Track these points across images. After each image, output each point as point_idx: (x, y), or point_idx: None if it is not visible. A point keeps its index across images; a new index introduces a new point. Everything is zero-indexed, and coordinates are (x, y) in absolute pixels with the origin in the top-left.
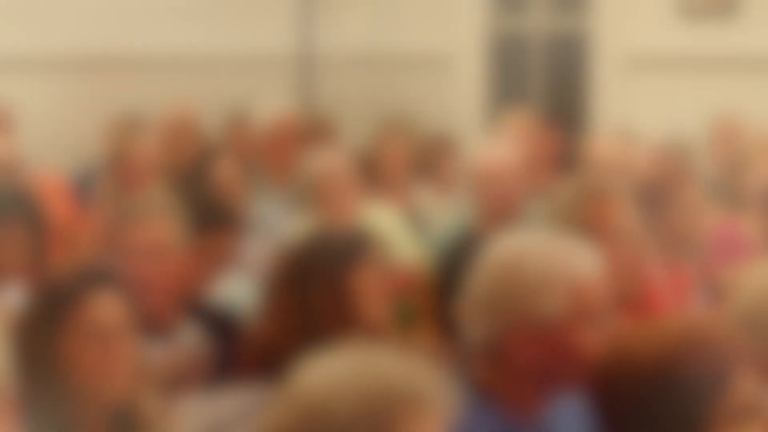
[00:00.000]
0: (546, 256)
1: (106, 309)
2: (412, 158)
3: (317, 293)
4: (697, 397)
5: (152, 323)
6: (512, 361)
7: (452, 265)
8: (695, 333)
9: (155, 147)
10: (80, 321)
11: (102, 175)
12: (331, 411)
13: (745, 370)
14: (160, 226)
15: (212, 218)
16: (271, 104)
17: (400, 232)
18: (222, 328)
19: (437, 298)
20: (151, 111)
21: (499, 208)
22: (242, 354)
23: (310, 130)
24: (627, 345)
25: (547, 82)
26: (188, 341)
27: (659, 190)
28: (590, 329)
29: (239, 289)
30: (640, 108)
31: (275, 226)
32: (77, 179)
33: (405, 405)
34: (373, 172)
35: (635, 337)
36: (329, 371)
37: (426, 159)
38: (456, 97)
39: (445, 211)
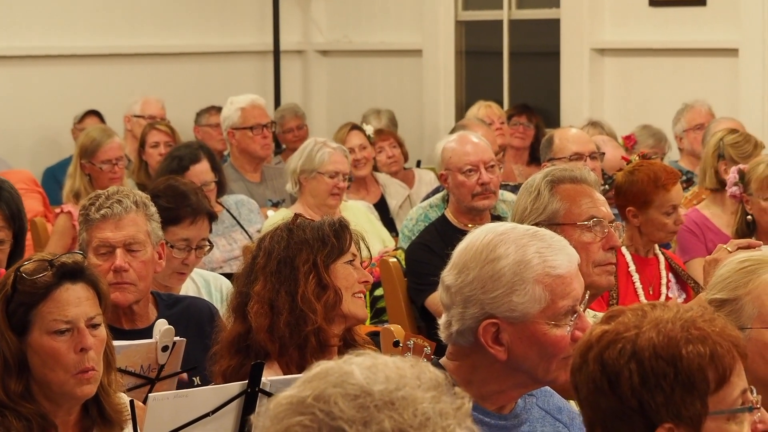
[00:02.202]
0: (521, 248)
1: (77, 302)
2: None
3: (297, 283)
4: (691, 389)
5: (125, 316)
6: (487, 354)
7: (427, 257)
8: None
9: (126, 142)
10: (50, 315)
11: (72, 170)
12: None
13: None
14: (131, 219)
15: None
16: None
17: (374, 224)
18: (196, 320)
19: (412, 290)
20: (121, 106)
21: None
22: (218, 345)
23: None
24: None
25: (515, 72)
26: (162, 334)
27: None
28: (566, 324)
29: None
30: (608, 97)
31: (249, 217)
32: (48, 175)
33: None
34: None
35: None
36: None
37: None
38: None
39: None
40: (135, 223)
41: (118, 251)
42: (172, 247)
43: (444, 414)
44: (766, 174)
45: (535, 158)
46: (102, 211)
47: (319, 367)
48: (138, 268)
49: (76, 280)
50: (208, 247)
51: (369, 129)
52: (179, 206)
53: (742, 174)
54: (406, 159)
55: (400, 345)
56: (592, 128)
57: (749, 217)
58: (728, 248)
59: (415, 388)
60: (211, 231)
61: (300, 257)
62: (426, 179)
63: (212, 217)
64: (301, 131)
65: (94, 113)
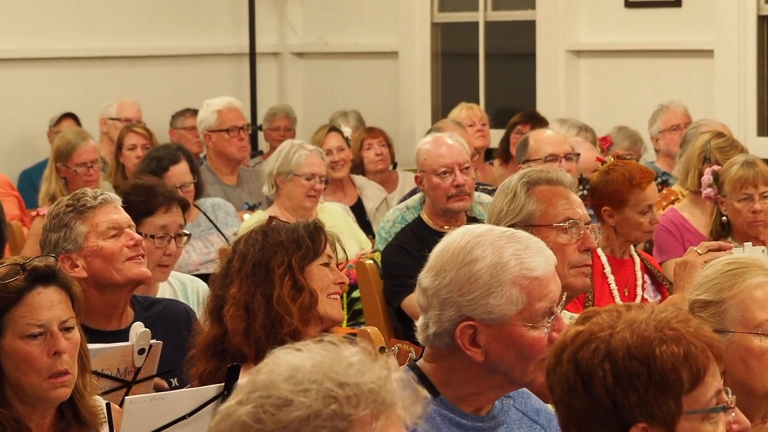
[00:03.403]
0: (498, 251)
1: (49, 306)
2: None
3: (272, 286)
4: (665, 389)
5: (106, 314)
6: (465, 356)
7: (403, 259)
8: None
9: (102, 145)
10: (23, 319)
11: (48, 174)
12: (294, 405)
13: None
14: (120, 209)
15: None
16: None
17: (351, 226)
18: (173, 322)
19: (388, 292)
20: (97, 109)
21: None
22: (195, 347)
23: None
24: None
25: (491, 73)
26: (138, 336)
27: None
28: (543, 326)
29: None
30: (584, 99)
31: (225, 220)
32: (24, 178)
33: (370, 405)
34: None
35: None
36: (295, 364)
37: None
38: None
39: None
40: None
41: (128, 230)
42: (152, 237)
43: (378, 366)
44: (740, 175)
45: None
46: (100, 198)
47: (248, 377)
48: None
49: (48, 283)
50: (186, 238)
51: (347, 131)
52: (151, 197)
53: (716, 175)
54: (392, 159)
55: (386, 351)
56: (563, 125)
57: (724, 218)
58: (698, 250)
59: (342, 352)
60: (185, 222)
61: (275, 260)
62: (410, 181)
63: (184, 206)
64: (288, 133)
65: (70, 116)
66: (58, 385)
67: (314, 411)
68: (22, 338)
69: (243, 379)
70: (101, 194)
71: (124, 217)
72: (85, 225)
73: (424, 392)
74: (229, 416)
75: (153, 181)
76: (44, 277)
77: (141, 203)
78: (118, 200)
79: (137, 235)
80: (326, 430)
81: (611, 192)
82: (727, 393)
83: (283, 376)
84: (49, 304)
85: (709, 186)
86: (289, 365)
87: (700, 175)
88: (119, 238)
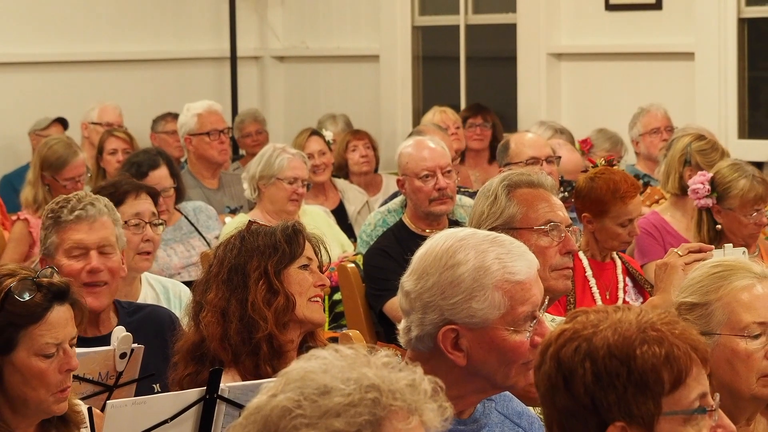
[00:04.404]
0: (481, 254)
1: (64, 324)
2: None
3: (248, 291)
4: (644, 389)
5: (89, 324)
6: (447, 360)
7: (385, 262)
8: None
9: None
10: (42, 338)
11: (33, 179)
12: (335, 391)
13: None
14: (103, 222)
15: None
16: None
17: (333, 228)
18: (157, 328)
19: (370, 295)
20: (78, 113)
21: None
22: (176, 350)
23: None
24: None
25: (472, 77)
26: (119, 341)
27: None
28: (525, 330)
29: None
30: (565, 102)
31: (207, 224)
32: (5, 182)
33: (407, 400)
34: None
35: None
36: (329, 361)
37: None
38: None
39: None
40: (106, 226)
41: (93, 252)
42: (126, 223)
43: (413, 373)
44: (755, 193)
45: (495, 158)
46: (76, 213)
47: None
48: (111, 268)
49: (64, 301)
50: (162, 225)
51: (328, 135)
52: (118, 188)
53: (713, 184)
54: (377, 163)
55: None
56: (545, 129)
57: (719, 226)
58: (679, 252)
59: (382, 358)
60: (160, 220)
61: (251, 264)
62: (394, 184)
63: (153, 195)
64: (261, 136)
65: (59, 121)
66: (61, 399)
67: (355, 398)
68: (38, 355)
69: (224, 384)
70: (80, 208)
71: (94, 237)
72: (57, 236)
73: (450, 408)
74: (261, 408)
75: (119, 177)
76: (61, 294)
77: (111, 195)
78: (98, 215)
79: (98, 264)
80: (366, 417)
81: (594, 200)
82: (713, 397)
83: (321, 370)
84: (64, 322)
85: (707, 196)
86: (322, 362)
87: (681, 177)
88: (80, 260)
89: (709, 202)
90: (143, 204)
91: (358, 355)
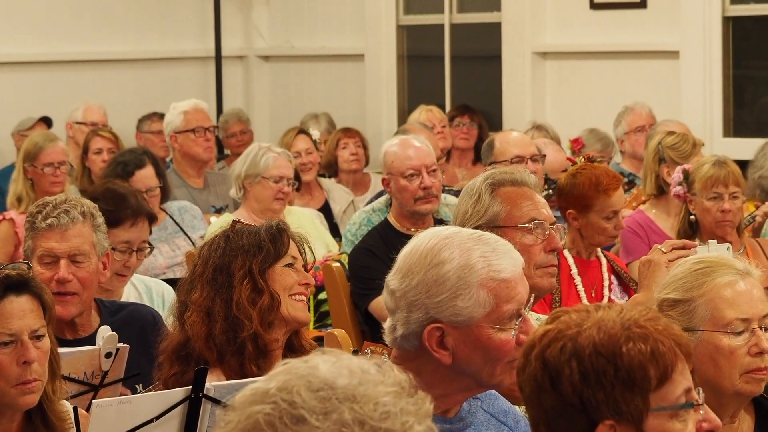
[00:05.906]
0: (466, 253)
1: (20, 315)
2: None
3: (232, 290)
4: (632, 386)
5: (67, 327)
6: (432, 358)
7: (370, 261)
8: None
9: (68, 149)
10: None
11: (16, 175)
12: (308, 425)
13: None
14: (77, 231)
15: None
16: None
17: (318, 228)
18: (139, 327)
19: (355, 294)
20: (63, 113)
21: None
22: (161, 350)
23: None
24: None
25: (457, 76)
26: (105, 340)
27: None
28: (511, 328)
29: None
30: (550, 101)
31: (192, 223)
32: None
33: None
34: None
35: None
36: (329, 379)
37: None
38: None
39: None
40: (81, 234)
41: (62, 262)
42: (113, 249)
43: (404, 411)
44: (710, 174)
45: (480, 158)
46: (48, 221)
47: (286, 363)
48: (82, 278)
49: (21, 292)
50: (149, 250)
51: (315, 134)
52: (119, 208)
53: (686, 174)
54: (367, 161)
55: (359, 353)
56: (537, 131)
57: (692, 217)
58: (663, 249)
59: (378, 384)
60: (151, 233)
61: (235, 264)
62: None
63: (152, 219)
64: (245, 136)
65: (44, 120)
66: (26, 392)
67: None
68: None
69: (210, 383)
70: (53, 215)
71: (64, 247)
72: (32, 242)
73: None
74: (253, 404)
75: (125, 190)
76: (17, 285)
77: (108, 213)
78: (71, 223)
79: (66, 274)
80: None
81: (577, 195)
82: (697, 392)
83: (314, 386)
84: (20, 313)
85: (679, 184)
86: (324, 376)
87: (657, 177)
88: (51, 268)
89: (681, 190)
90: (137, 232)
91: (363, 380)
